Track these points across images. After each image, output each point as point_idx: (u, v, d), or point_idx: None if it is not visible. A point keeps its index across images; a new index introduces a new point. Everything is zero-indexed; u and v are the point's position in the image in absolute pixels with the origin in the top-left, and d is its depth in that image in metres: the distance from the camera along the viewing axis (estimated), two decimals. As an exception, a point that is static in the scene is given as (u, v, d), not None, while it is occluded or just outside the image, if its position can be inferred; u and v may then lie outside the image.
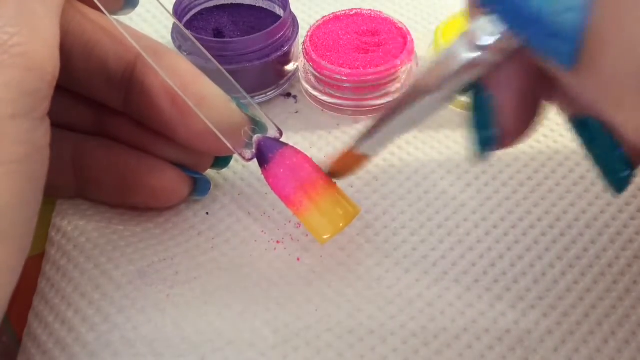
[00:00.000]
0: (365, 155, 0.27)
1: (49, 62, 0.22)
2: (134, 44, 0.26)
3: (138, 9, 0.29)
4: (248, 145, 0.28)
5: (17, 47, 0.21)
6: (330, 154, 0.28)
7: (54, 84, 0.22)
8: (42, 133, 0.22)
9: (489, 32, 0.20)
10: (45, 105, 0.22)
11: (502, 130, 0.22)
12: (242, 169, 0.33)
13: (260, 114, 0.28)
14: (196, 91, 0.27)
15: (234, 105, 0.28)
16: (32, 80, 0.21)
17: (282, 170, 0.27)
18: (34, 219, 0.22)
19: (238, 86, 0.29)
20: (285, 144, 0.28)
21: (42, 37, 0.21)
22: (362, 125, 0.36)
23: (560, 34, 0.17)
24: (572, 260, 0.29)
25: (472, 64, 0.21)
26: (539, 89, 0.22)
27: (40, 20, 0.22)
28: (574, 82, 0.18)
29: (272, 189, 0.28)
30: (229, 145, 0.27)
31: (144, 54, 0.26)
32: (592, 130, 0.22)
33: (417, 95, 0.23)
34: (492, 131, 0.22)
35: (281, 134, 0.28)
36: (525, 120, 0.22)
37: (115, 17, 0.27)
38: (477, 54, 0.21)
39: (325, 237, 0.27)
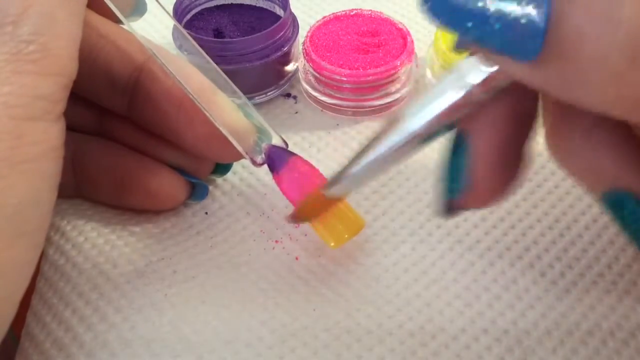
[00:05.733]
0: (335, 198, 0.26)
1: (65, 68, 0.22)
2: (151, 49, 0.26)
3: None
4: (257, 152, 0.28)
5: (33, 54, 0.21)
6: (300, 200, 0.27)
7: (70, 86, 0.23)
8: (56, 133, 0.22)
9: (477, 71, 0.19)
10: (60, 106, 0.22)
11: (475, 180, 0.21)
12: (242, 169, 0.33)
13: (264, 124, 0.28)
14: (209, 98, 0.27)
15: (241, 114, 0.28)
16: (46, 85, 0.22)
17: (296, 175, 0.27)
18: (48, 216, 0.22)
19: (237, 89, 0.29)
20: (295, 153, 0.28)
21: (59, 45, 0.22)
22: (362, 126, 0.36)
23: (524, 26, 0.16)
24: (571, 261, 0.29)
25: (457, 104, 0.19)
26: (521, 142, 0.21)
27: (60, 27, 0.22)
28: (542, 76, 0.17)
29: (283, 193, 0.28)
30: (241, 150, 0.27)
31: (159, 59, 0.26)
32: (627, 206, 0.20)
33: (396, 134, 0.21)
34: (464, 180, 0.21)
35: (287, 145, 0.29)
36: (501, 174, 0.21)
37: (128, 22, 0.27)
38: (463, 93, 0.19)
39: (331, 244, 0.27)
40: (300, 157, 0.28)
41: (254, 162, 0.28)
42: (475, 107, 0.20)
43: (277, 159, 0.28)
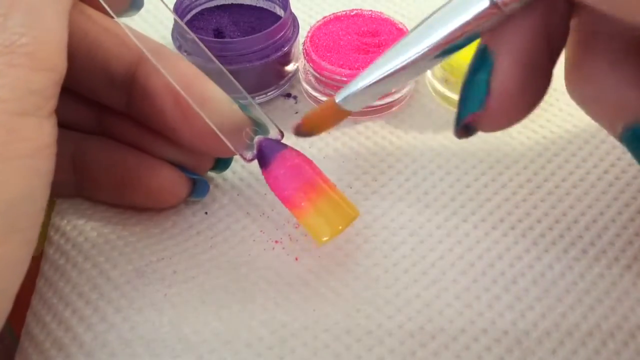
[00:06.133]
0: (347, 110, 0.25)
1: (56, 62, 0.22)
2: (139, 44, 0.26)
3: (140, 7, 0.29)
4: (249, 147, 0.28)
5: (24, 47, 0.21)
6: (308, 112, 0.27)
7: (61, 83, 0.23)
8: (49, 130, 0.22)
9: None
10: (52, 103, 0.22)
11: (494, 97, 0.20)
12: (242, 169, 0.33)
13: (261, 116, 0.28)
14: (199, 92, 0.27)
15: (235, 107, 0.28)
16: (39, 79, 0.22)
17: (282, 172, 0.27)
18: (41, 213, 0.22)
19: (239, 86, 0.29)
20: (286, 146, 0.28)
21: (49, 39, 0.22)
22: (362, 126, 0.36)
23: None
24: (571, 262, 0.29)
25: (484, 15, 0.19)
26: (544, 65, 0.21)
27: (48, 23, 0.22)
28: None
29: (272, 190, 0.28)
30: (230, 146, 0.27)
31: (148, 55, 0.26)
32: None
33: (417, 44, 0.21)
34: (483, 96, 0.21)
35: (282, 135, 0.28)
36: (521, 93, 0.20)
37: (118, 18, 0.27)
38: (490, 3, 0.19)
39: (324, 239, 0.27)
40: (291, 150, 0.28)
41: (243, 158, 0.28)
42: (502, 19, 0.19)
43: (266, 154, 0.27)
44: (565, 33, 0.21)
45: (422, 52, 0.21)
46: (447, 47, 0.20)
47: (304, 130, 0.28)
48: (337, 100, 0.25)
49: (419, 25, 0.21)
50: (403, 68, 0.21)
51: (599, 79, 0.20)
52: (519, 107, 0.21)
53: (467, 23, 0.20)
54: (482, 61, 0.21)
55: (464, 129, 0.22)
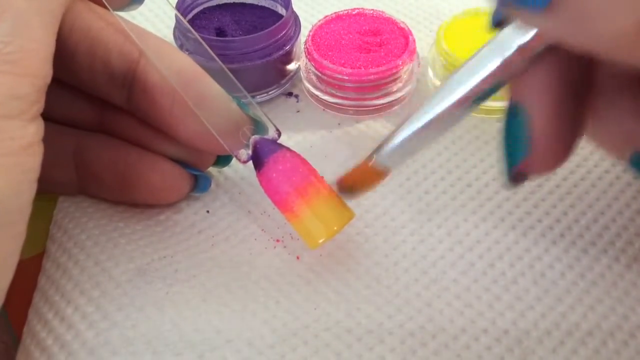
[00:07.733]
0: (384, 169, 0.26)
1: (40, 70, 0.23)
2: (136, 40, 0.27)
3: (141, 7, 0.29)
4: (246, 147, 0.28)
5: (10, 55, 0.22)
6: (345, 168, 0.27)
7: (45, 90, 0.23)
8: (34, 130, 0.23)
9: (517, 36, 0.20)
10: (36, 108, 0.23)
11: (536, 147, 0.21)
12: (243, 167, 0.33)
13: (260, 115, 0.28)
14: (197, 90, 0.27)
15: (234, 105, 0.28)
16: (23, 86, 0.22)
17: (274, 175, 0.27)
18: (28, 207, 0.23)
19: (238, 84, 0.29)
20: (282, 146, 0.28)
21: (34, 48, 0.23)
22: (363, 125, 0.36)
23: None
24: (571, 262, 0.29)
25: (501, 68, 0.21)
26: (577, 104, 0.21)
27: (34, 32, 0.23)
28: (555, 24, 0.18)
29: (265, 192, 0.28)
30: (225, 146, 0.27)
31: (145, 51, 0.27)
32: None
33: (441, 102, 0.22)
34: (525, 148, 0.21)
35: (279, 134, 0.28)
36: (560, 137, 0.21)
37: (120, 13, 0.27)
38: (505, 58, 0.20)
39: (320, 241, 0.27)
40: (285, 152, 0.28)
41: (238, 159, 0.28)
42: (516, 74, 0.21)
43: (260, 155, 0.27)
44: (587, 76, 0.22)
45: (444, 111, 0.22)
46: (476, 97, 0.22)
47: (343, 191, 0.28)
48: (371, 165, 0.25)
49: (446, 80, 0.22)
50: (435, 120, 0.23)
51: (601, 114, 0.21)
52: (563, 150, 0.22)
53: (494, 73, 0.21)
54: (515, 116, 0.22)
55: (516, 177, 0.23)
